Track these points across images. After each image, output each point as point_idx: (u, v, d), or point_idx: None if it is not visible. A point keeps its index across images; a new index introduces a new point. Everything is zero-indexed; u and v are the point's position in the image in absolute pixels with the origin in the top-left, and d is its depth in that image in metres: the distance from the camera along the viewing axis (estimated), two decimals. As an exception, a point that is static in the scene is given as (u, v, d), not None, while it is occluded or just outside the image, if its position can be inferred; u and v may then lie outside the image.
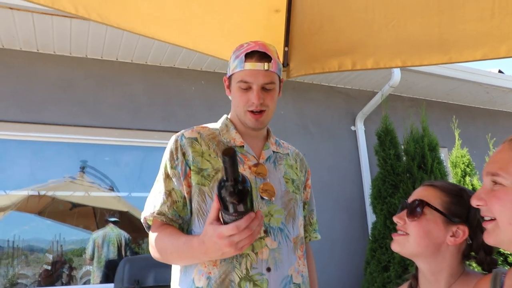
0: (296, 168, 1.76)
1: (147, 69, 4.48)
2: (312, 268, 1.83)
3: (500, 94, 5.83)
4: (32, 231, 4.97)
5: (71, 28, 3.73)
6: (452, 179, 4.67)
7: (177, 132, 1.67)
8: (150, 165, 4.36)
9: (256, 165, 1.60)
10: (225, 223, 1.23)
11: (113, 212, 5.25)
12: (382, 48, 2.07)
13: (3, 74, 3.93)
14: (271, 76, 1.59)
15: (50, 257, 5.02)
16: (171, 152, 1.58)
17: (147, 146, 4.39)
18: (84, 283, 5.19)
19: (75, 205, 5.16)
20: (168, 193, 1.54)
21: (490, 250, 1.36)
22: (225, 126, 1.69)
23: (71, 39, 3.92)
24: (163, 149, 1.65)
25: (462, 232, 1.34)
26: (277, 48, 2.05)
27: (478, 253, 1.37)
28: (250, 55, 1.56)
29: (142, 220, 1.61)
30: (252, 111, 1.59)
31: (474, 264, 1.45)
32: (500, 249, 4.22)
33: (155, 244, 1.50)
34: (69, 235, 5.27)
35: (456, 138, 4.82)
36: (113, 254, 5.10)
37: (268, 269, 1.48)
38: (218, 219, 1.26)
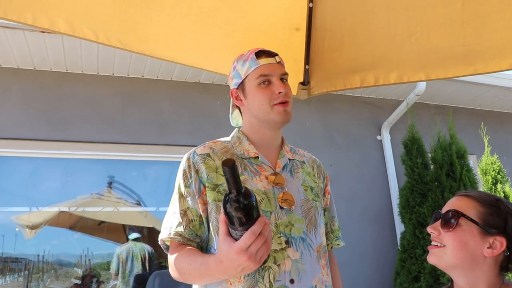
0: (314, 175, 1.72)
1: (173, 85, 4.55)
2: (336, 276, 1.76)
3: (529, 98, 5.67)
4: (61, 246, 5.09)
5: (98, 48, 3.83)
6: (482, 186, 4.56)
7: (204, 146, 1.67)
8: (177, 180, 4.38)
9: (273, 174, 1.57)
10: (234, 239, 1.20)
11: (135, 227, 5.32)
12: (405, 62, 2.04)
13: (35, 95, 4.06)
14: (284, 68, 1.62)
15: (78, 271, 5.12)
16: (184, 171, 1.55)
17: (174, 161, 4.45)
18: (112, 297, 5.28)
19: (103, 221, 5.26)
20: (184, 213, 1.51)
21: None
22: (237, 138, 1.66)
23: (98, 58, 4.02)
24: (190, 163, 1.64)
25: (499, 243, 1.31)
26: (297, 66, 2.09)
27: None
28: (259, 54, 1.59)
29: (160, 242, 1.58)
30: (280, 103, 1.57)
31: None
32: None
33: (174, 265, 1.48)
34: (97, 249, 5.37)
35: (486, 145, 4.72)
36: (137, 269, 5.16)
37: (292, 281, 1.44)
38: (229, 234, 1.21)
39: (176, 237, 1.50)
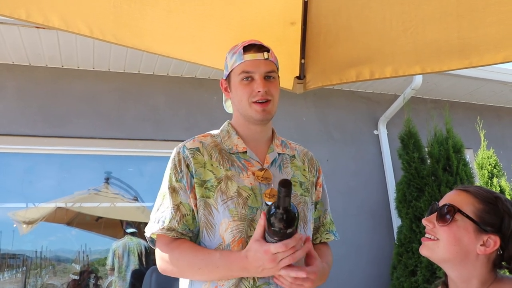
0: (304, 170, 1.71)
1: (169, 80, 4.54)
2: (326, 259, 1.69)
3: (525, 93, 5.69)
4: (59, 241, 5.09)
5: (94, 43, 3.82)
6: (478, 181, 4.58)
7: (200, 141, 1.66)
8: (174, 175, 4.38)
9: (260, 170, 1.56)
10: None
11: (133, 223, 5.32)
12: (400, 56, 2.05)
13: (30, 91, 4.04)
14: (272, 65, 1.60)
15: (76, 267, 5.12)
16: (175, 165, 1.54)
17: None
18: (111, 292, 5.28)
19: (100, 216, 5.26)
20: (177, 208, 1.49)
21: None
22: (227, 132, 1.65)
23: (94, 54, 4.01)
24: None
25: (493, 242, 1.30)
26: (293, 60, 2.08)
27: (510, 263, 1.33)
28: (248, 48, 1.58)
29: (147, 235, 1.56)
30: (258, 102, 1.56)
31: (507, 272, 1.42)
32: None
33: (174, 260, 1.46)
34: (95, 245, 5.37)
35: (482, 139, 4.73)
36: (134, 264, 5.16)
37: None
38: (263, 237, 1.30)
39: (169, 232, 1.48)
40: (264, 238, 1.31)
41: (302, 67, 2.08)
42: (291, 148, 1.74)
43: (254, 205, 1.49)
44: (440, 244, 1.34)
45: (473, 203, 1.34)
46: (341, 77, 2.08)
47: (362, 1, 1.98)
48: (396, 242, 4.54)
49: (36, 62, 4.07)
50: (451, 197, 1.40)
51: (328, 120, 5.08)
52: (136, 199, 5.01)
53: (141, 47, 1.90)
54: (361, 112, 5.28)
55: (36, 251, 4.84)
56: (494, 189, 4.35)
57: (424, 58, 2.03)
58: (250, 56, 1.56)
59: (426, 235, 1.39)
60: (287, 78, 2.13)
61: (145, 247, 5.30)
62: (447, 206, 1.35)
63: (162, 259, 1.49)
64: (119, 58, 4.12)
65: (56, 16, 1.68)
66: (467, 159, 4.56)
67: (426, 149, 4.59)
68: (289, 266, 1.33)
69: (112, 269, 5.20)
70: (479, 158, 4.68)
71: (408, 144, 4.57)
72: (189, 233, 1.51)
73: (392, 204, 4.88)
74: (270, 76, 1.58)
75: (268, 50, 1.60)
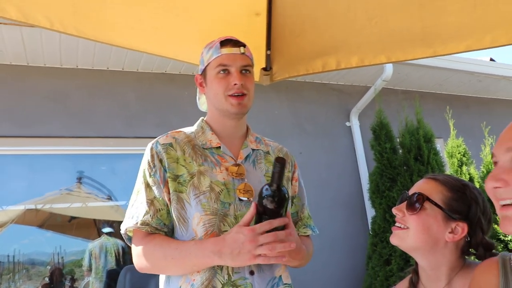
0: None
1: (139, 76, 4.48)
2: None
3: (492, 82, 5.82)
4: (32, 244, 4.98)
5: (60, 39, 3.73)
6: (449, 169, 4.66)
7: (173, 138, 1.65)
8: (147, 172, 4.33)
9: (234, 165, 1.57)
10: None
11: (107, 222, 5.25)
12: (366, 46, 2.06)
13: (-6, 90, 3.93)
14: (248, 60, 1.62)
15: (49, 269, 5.03)
16: (148, 161, 1.54)
17: (143, 154, 4.37)
18: (87, 294, 5.20)
19: (73, 217, 5.17)
20: (150, 202, 1.50)
21: (489, 247, 1.34)
22: (201, 128, 1.66)
23: (61, 50, 3.92)
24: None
25: (461, 229, 1.32)
26: (259, 51, 2.07)
27: (478, 250, 1.35)
28: (225, 43, 1.59)
29: (122, 232, 1.56)
30: (234, 95, 1.56)
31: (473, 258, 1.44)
32: (500, 236, 4.24)
33: (147, 254, 1.45)
34: (70, 247, 5.28)
35: (451, 128, 4.81)
36: (111, 264, 5.10)
37: (251, 273, 1.44)
38: (249, 225, 1.31)
39: (143, 226, 1.48)
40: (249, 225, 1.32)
41: (268, 58, 2.07)
42: (266, 144, 1.75)
43: (227, 200, 1.50)
44: (410, 232, 1.34)
45: (442, 191, 1.36)
46: (308, 68, 2.09)
47: (327, -9, 1.98)
48: (370, 232, 4.60)
49: None
50: (420, 186, 1.41)
51: (300, 113, 5.10)
52: (109, 198, 4.94)
53: (103, 39, 1.86)
54: (332, 104, 5.31)
55: (8, 255, 4.72)
56: (463, 177, 4.44)
57: (389, 47, 2.06)
58: (226, 50, 1.57)
59: (396, 224, 1.40)
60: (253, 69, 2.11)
61: (122, 247, 5.24)
62: (416, 195, 1.36)
63: (137, 255, 1.49)
64: (87, 54, 4.04)
65: (12, 7, 1.62)
66: (437, 148, 4.64)
67: (398, 140, 4.65)
68: (261, 223, 1.32)
69: (89, 270, 5.13)
70: (449, 147, 4.77)
71: (380, 135, 4.62)
72: (163, 228, 1.51)
73: (366, 195, 4.94)
74: (247, 70, 1.60)
75: (244, 45, 1.62)
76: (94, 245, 5.22)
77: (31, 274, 4.98)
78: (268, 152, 1.72)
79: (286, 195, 1.31)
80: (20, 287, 4.94)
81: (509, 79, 5.72)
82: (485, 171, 4.62)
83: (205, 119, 1.70)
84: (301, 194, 1.79)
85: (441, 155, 4.63)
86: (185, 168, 1.53)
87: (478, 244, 1.34)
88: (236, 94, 1.56)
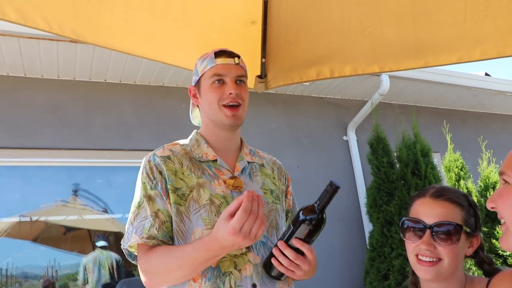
0: (274, 178, 1.71)
1: (136, 89, 4.49)
2: None
3: (488, 97, 5.86)
4: (26, 257, 4.92)
5: (58, 51, 3.75)
6: (446, 183, 4.66)
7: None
8: (143, 185, 4.31)
9: (231, 178, 1.56)
10: (287, 240, 1.35)
11: (102, 234, 5.20)
12: (359, 55, 2.08)
13: (-9, 101, 3.93)
14: (242, 70, 1.62)
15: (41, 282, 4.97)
16: (147, 173, 1.51)
17: (139, 166, 4.36)
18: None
19: (69, 229, 5.13)
20: (155, 215, 1.46)
21: (490, 260, 1.35)
22: (196, 141, 1.64)
23: (58, 62, 3.93)
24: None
25: (476, 240, 1.34)
26: (254, 59, 2.08)
27: (477, 253, 1.35)
28: (219, 54, 1.59)
29: (125, 248, 1.52)
30: (228, 106, 1.55)
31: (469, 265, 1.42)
32: (499, 251, 4.21)
33: (153, 267, 1.42)
34: (65, 260, 5.22)
35: (448, 143, 4.82)
36: (105, 278, 5.04)
37: (254, 286, 1.42)
38: (231, 216, 1.25)
39: (149, 240, 1.44)
40: (231, 216, 1.26)
41: (263, 66, 2.09)
42: (260, 157, 1.74)
43: None
44: (445, 263, 1.28)
45: (459, 212, 1.32)
46: (302, 76, 2.10)
47: (321, 1, 2.01)
48: (368, 247, 4.57)
49: (-4, 71, 3.97)
50: (439, 212, 1.31)
51: (298, 126, 5.11)
52: (105, 211, 4.91)
53: (100, 43, 1.87)
54: (330, 118, 5.33)
55: (1, 269, 4.67)
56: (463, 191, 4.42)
57: (382, 57, 2.08)
58: (221, 60, 1.57)
59: (425, 258, 1.30)
60: (248, 77, 2.12)
61: (116, 260, 5.18)
62: (450, 226, 1.28)
63: (144, 271, 1.45)
64: (84, 66, 4.05)
65: (12, 9, 1.63)
66: (434, 163, 4.64)
67: (395, 154, 4.66)
68: (297, 239, 1.34)
69: (84, 284, 5.07)
70: (446, 161, 4.77)
71: (377, 149, 4.63)
72: (169, 241, 1.48)
73: (363, 209, 4.91)
74: (241, 81, 1.60)
75: (238, 56, 1.62)
76: (88, 259, 5.16)
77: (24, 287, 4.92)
78: (262, 165, 1.71)
79: (324, 223, 1.32)
80: (13, 301, 4.87)
81: (505, 94, 5.76)
82: (482, 185, 4.61)
83: (199, 131, 1.69)
84: (295, 208, 1.78)
85: (438, 169, 4.63)
86: (183, 181, 1.50)
87: (478, 247, 1.35)
88: (231, 104, 1.55)
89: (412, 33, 1.99)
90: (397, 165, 4.58)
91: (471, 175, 4.70)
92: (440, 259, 1.28)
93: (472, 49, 1.93)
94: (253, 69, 2.09)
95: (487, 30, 1.88)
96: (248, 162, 1.66)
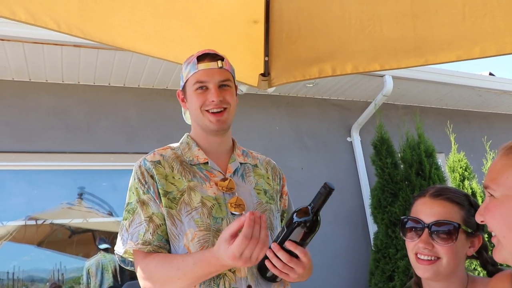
0: (268, 178, 1.70)
1: (140, 92, 4.51)
2: None
3: (492, 97, 5.85)
4: (32, 261, 4.93)
5: (62, 55, 3.78)
6: (450, 184, 4.65)
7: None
8: (148, 188, 4.33)
9: (223, 180, 1.55)
10: (281, 243, 1.33)
11: (106, 237, 5.20)
12: (360, 53, 2.10)
13: (-3, 105, 3.97)
14: (226, 74, 1.59)
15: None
16: (139, 179, 1.51)
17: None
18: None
19: (74, 232, 5.13)
20: (149, 219, 1.46)
21: (487, 249, 1.35)
22: (187, 144, 1.64)
23: (62, 66, 3.96)
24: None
25: (477, 240, 1.33)
26: (257, 58, 2.11)
27: (481, 254, 1.35)
28: (202, 58, 1.57)
29: (119, 254, 1.52)
30: (212, 112, 1.54)
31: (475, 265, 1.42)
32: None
33: (151, 274, 1.42)
34: (70, 263, 5.23)
35: (452, 143, 4.81)
36: (108, 281, 5.03)
37: (249, 287, 1.43)
38: (235, 236, 1.26)
39: (144, 246, 1.44)
40: (234, 236, 1.26)
41: (266, 64, 2.11)
42: (253, 157, 1.74)
43: (219, 215, 1.48)
44: (443, 262, 1.29)
45: (458, 211, 1.32)
46: (304, 74, 2.12)
47: (323, 0, 2.02)
48: (372, 248, 4.56)
49: (2, 75, 4.00)
50: (437, 211, 1.32)
51: (301, 128, 5.11)
52: (111, 214, 4.92)
53: (107, 41, 1.91)
54: (333, 119, 5.33)
55: (7, 272, 4.69)
56: (466, 191, 4.42)
57: (382, 55, 2.10)
58: (203, 66, 1.55)
59: (424, 257, 1.31)
60: (252, 75, 2.17)
61: (119, 263, 5.16)
62: (448, 224, 1.29)
63: (142, 277, 1.44)
64: (88, 70, 4.08)
65: (22, 10, 1.67)
66: (439, 163, 4.64)
67: (399, 155, 4.65)
68: (291, 242, 1.32)
69: (88, 288, 5.07)
70: (450, 162, 4.76)
71: (381, 150, 4.63)
72: (166, 245, 1.48)
73: (368, 210, 4.91)
74: (225, 85, 1.57)
75: (222, 58, 1.59)
76: (90, 263, 5.14)
77: (30, 291, 4.93)
78: (256, 165, 1.71)
79: (319, 225, 1.32)
80: (19, 305, 4.88)
81: (509, 94, 5.75)
82: (487, 186, 4.59)
83: (190, 134, 1.69)
84: (290, 208, 1.78)
85: (442, 169, 4.62)
86: (174, 185, 1.50)
87: (481, 247, 1.34)
88: (214, 111, 1.54)
89: (412, 32, 2.01)
90: (401, 166, 4.57)
91: (476, 175, 4.69)
92: (438, 258, 1.28)
93: (472, 47, 1.95)
94: (256, 67, 2.12)
95: (486, 28, 1.89)
96: (241, 163, 1.66)
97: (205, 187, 1.52)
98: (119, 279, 5.07)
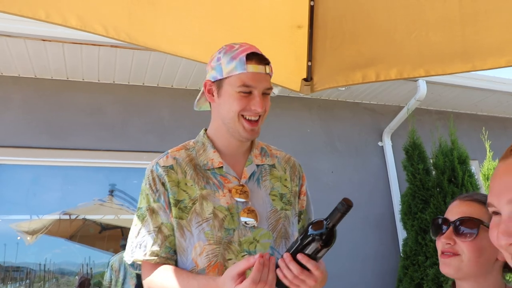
0: (286, 180, 1.61)
1: (174, 92, 4.56)
2: None
3: (531, 103, 5.68)
4: (62, 254, 5.05)
5: (99, 55, 3.86)
6: (484, 192, 4.55)
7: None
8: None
9: (238, 186, 1.48)
10: (294, 254, 1.28)
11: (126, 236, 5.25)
12: (405, 59, 2.06)
13: (36, 102, 4.07)
14: (270, 80, 1.50)
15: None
16: (150, 185, 1.46)
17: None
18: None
19: (104, 228, 5.22)
20: (158, 229, 1.42)
21: None
22: (202, 144, 1.56)
23: (99, 66, 4.04)
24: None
25: None
26: (300, 62, 2.11)
27: None
28: (251, 57, 1.44)
29: (128, 262, 1.48)
30: (249, 119, 1.45)
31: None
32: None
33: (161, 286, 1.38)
34: (99, 258, 5.33)
35: (487, 150, 4.71)
36: (131, 277, 5.08)
37: None
38: (242, 275, 1.22)
39: (152, 257, 1.42)
40: (242, 275, 1.23)
41: (309, 69, 2.10)
42: (272, 156, 1.64)
43: (231, 226, 1.43)
44: (465, 259, 1.28)
45: (486, 211, 1.29)
46: (347, 79, 2.10)
47: (367, 6, 2.01)
48: (401, 254, 4.50)
49: (41, 74, 4.11)
50: (463, 209, 1.34)
51: (333, 132, 5.09)
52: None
53: (152, 46, 1.94)
54: (365, 123, 5.28)
55: (40, 264, 4.81)
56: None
57: (428, 61, 2.05)
58: (253, 68, 1.43)
59: (446, 253, 1.32)
60: (294, 80, 2.15)
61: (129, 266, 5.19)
62: (468, 220, 1.30)
63: (148, 286, 1.43)
64: (124, 70, 4.15)
65: (74, 16, 1.71)
66: (472, 170, 4.54)
67: (431, 161, 4.58)
68: (302, 255, 1.27)
69: (110, 284, 5.13)
70: (484, 169, 4.66)
71: (412, 156, 4.56)
72: (173, 256, 1.45)
73: (397, 216, 4.84)
74: (268, 93, 1.48)
75: (269, 62, 1.49)
76: (114, 259, 5.22)
77: (60, 283, 5.04)
78: (273, 166, 1.61)
79: (334, 241, 1.27)
80: (50, 296, 5.00)
81: (548, 101, 5.57)
82: (523, 195, 4.47)
83: (207, 131, 1.61)
84: (309, 208, 1.71)
85: (476, 177, 4.52)
86: (186, 193, 1.45)
87: None
88: (252, 119, 1.45)
89: (460, 36, 1.95)
90: (433, 172, 4.49)
91: (511, 184, 4.57)
92: (459, 254, 1.28)
93: (522, 52, 1.89)
94: (299, 72, 2.11)
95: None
96: (257, 165, 1.57)
97: (218, 195, 1.45)
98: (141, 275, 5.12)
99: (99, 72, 4.17)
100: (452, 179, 4.38)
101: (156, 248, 1.41)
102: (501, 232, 0.91)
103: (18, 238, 4.49)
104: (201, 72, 4.22)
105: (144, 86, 4.47)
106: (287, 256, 1.29)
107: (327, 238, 1.25)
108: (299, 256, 1.27)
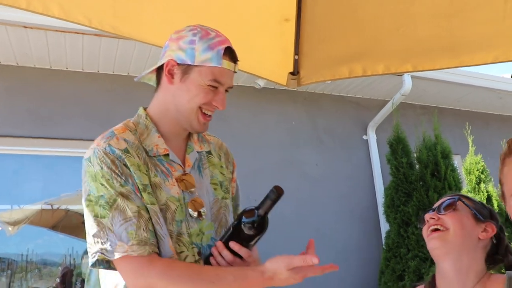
0: (221, 166, 1.55)
1: (158, 82, 4.50)
2: None
3: (513, 100, 5.77)
4: (45, 245, 5.00)
5: (83, 44, 3.79)
6: (466, 186, 4.62)
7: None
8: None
9: (182, 176, 1.39)
10: (226, 242, 1.30)
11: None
12: (392, 54, 2.07)
13: (18, 91, 3.99)
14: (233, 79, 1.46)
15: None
16: (110, 168, 1.26)
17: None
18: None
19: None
20: (138, 214, 1.24)
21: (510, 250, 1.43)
22: (145, 127, 1.41)
23: (83, 55, 3.98)
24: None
25: (491, 228, 1.42)
26: (287, 56, 2.10)
27: (506, 257, 1.43)
28: (226, 53, 1.37)
29: (109, 258, 1.23)
30: (205, 113, 1.39)
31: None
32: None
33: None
34: (82, 248, 5.29)
35: (470, 145, 4.77)
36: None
37: None
38: (299, 267, 1.18)
39: (141, 247, 1.22)
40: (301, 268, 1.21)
41: (296, 63, 2.08)
42: (207, 141, 1.57)
43: (179, 218, 1.34)
44: (450, 231, 1.40)
45: (467, 200, 1.47)
46: (334, 73, 2.10)
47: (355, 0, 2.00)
48: (384, 247, 4.55)
49: (24, 62, 4.02)
50: (447, 198, 1.50)
51: (318, 124, 5.10)
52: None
53: (136, 37, 1.91)
54: (350, 117, 5.31)
55: (22, 254, 4.76)
56: (481, 195, 4.41)
57: (415, 56, 2.06)
58: (227, 64, 1.36)
59: (431, 227, 1.44)
60: (281, 73, 2.14)
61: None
62: (449, 199, 1.46)
63: None
64: (108, 59, 4.09)
65: (56, 5, 1.68)
66: (455, 165, 4.60)
67: (415, 155, 4.62)
68: (234, 243, 1.28)
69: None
70: (467, 164, 4.72)
71: (396, 149, 4.60)
72: (157, 244, 1.28)
73: (381, 209, 4.89)
74: (228, 91, 1.44)
75: (238, 60, 1.42)
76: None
77: (42, 274, 5.00)
78: (210, 152, 1.54)
79: (266, 228, 1.28)
80: (32, 286, 4.95)
81: (531, 97, 5.66)
82: (503, 189, 4.55)
83: (148, 111, 1.46)
84: (237, 195, 1.64)
85: (458, 171, 4.59)
86: (147, 176, 1.32)
87: (506, 250, 1.43)
88: (208, 113, 1.40)
89: (447, 32, 1.96)
90: (417, 166, 4.54)
91: (492, 179, 4.64)
92: (446, 228, 1.41)
93: (510, 48, 1.89)
94: (285, 66, 2.10)
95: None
96: (198, 152, 1.49)
97: (168, 185, 1.35)
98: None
99: (83, 61, 4.10)
100: (435, 173, 4.43)
101: (142, 234, 1.22)
102: None
103: (0, 228, 4.43)
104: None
105: (129, 76, 4.41)
106: (219, 244, 1.31)
107: (259, 226, 1.27)
108: (231, 244, 1.28)
